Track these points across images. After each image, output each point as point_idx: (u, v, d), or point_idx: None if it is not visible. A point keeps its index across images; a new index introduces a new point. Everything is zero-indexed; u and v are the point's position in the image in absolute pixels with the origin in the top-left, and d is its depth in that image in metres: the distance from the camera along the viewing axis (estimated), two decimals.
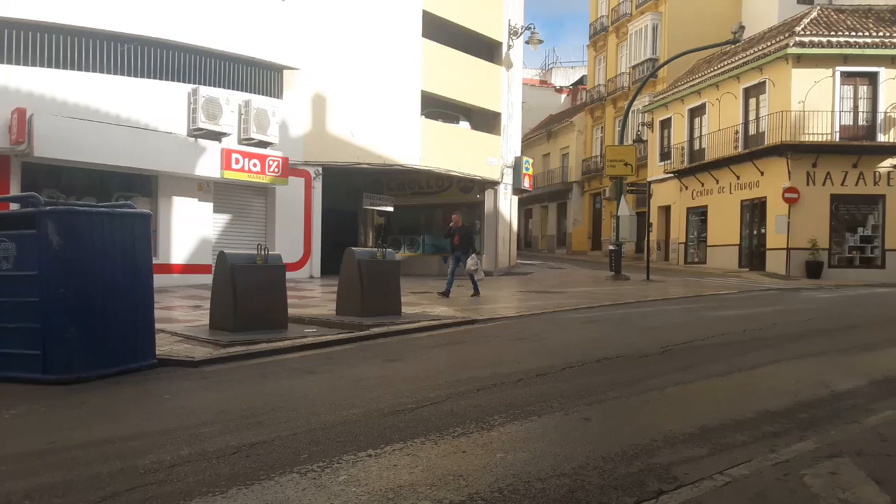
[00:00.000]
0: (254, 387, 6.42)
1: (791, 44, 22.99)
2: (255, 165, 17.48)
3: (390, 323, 9.60)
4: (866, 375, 6.40)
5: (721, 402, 5.53)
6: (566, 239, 41.37)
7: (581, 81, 47.19)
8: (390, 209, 24.42)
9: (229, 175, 17.09)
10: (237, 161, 17.13)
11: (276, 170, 17.97)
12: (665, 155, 30.71)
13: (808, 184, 22.93)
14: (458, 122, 23.49)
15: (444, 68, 21.70)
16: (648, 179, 30.53)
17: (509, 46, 24.90)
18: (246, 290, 8.68)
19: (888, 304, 14.20)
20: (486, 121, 24.44)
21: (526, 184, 25.74)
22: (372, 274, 10.32)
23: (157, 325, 9.92)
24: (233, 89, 17.73)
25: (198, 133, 16.65)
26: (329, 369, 7.11)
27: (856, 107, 23.36)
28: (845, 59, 23.01)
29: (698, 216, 28.38)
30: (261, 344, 7.89)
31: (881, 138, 23.02)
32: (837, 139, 22.90)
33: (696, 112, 28.43)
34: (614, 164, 20.82)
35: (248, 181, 17.64)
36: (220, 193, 17.90)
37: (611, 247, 21.21)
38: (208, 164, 16.84)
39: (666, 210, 30.60)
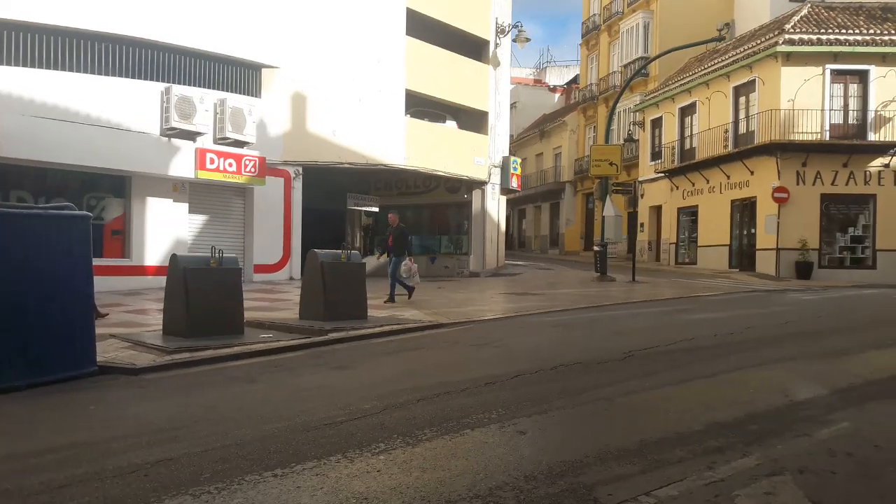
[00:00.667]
0: (186, 397, 6.14)
1: (780, 41, 22.67)
2: (230, 165, 17.15)
3: (351, 328, 9.30)
4: (830, 383, 6.11)
5: (669, 413, 5.23)
6: (559, 239, 41.03)
7: (575, 80, 46.80)
8: (375, 209, 24.12)
9: (204, 175, 16.76)
10: (212, 161, 16.81)
11: (253, 170, 17.64)
12: (656, 154, 30.37)
13: (797, 183, 22.61)
14: (444, 122, 23.14)
15: (429, 67, 21.38)
16: (639, 179, 30.25)
17: (496, 45, 24.58)
18: (199, 294, 8.38)
19: (871, 306, 13.88)
20: (473, 120, 24.09)
21: (514, 184, 25.44)
22: (335, 277, 10.01)
23: (117, 329, 9.70)
24: (209, 88, 17.37)
25: (171, 132, 16.31)
26: (271, 378, 6.82)
27: (846, 105, 23.01)
28: (835, 57, 22.67)
29: (689, 216, 28.05)
30: (206, 351, 7.59)
31: (872, 137, 22.67)
32: (827, 138, 22.53)
33: (687, 111, 28.09)
34: (599, 164, 20.48)
35: (224, 181, 17.31)
36: (196, 194, 17.56)
37: (595, 248, 20.88)
38: (182, 164, 16.52)
39: (657, 210, 30.30)
